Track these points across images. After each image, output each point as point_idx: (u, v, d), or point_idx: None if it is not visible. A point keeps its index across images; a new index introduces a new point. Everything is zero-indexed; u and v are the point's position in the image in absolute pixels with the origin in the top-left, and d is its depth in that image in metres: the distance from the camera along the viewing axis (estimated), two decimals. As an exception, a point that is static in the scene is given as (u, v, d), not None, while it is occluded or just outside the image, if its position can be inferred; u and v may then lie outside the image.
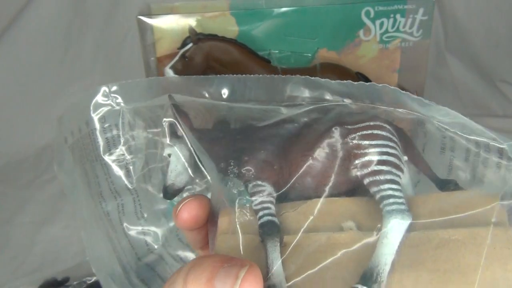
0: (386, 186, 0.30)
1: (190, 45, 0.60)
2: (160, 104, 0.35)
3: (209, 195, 0.34)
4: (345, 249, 0.28)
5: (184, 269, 0.25)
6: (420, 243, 0.28)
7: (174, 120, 0.34)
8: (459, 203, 0.30)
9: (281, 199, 0.31)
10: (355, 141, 0.31)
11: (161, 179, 0.39)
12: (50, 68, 0.92)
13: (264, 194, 0.31)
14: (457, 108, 1.09)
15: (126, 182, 0.40)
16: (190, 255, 0.45)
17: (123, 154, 0.39)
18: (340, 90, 0.33)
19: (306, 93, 0.34)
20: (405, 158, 0.32)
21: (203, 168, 0.33)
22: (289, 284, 0.28)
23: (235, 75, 0.35)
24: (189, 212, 0.32)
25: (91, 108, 0.36)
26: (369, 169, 0.30)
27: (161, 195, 0.36)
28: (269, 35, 0.63)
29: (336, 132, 0.31)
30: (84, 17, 0.91)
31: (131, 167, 0.40)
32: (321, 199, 0.30)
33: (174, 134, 0.35)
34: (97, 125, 0.37)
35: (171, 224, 0.45)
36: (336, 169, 0.31)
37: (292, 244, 0.29)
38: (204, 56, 0.61)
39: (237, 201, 0.31)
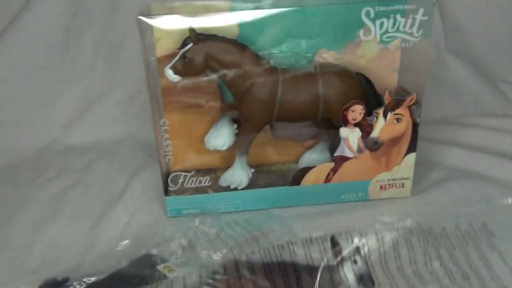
0: None
1: (190, 45, 0.60)
2: None
3: None
4: None
5: None
6: None
7: None
8: None
9: None
10: None
11: None
12: (50, 68, 0.92)
13: None
14: (457, 108, 1.10)
15: None
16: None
17: None
18: None
19: None
20: None
21: None
22: None
23: None
24: None
25: None
26: None
27: None
28: (269, 35, 0.63)
29: None
30: (84, 17, 0.91)
31: None
32: None
33: None
34: None
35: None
36: None
37: None
38: (204, 57, 0.61)
39: None
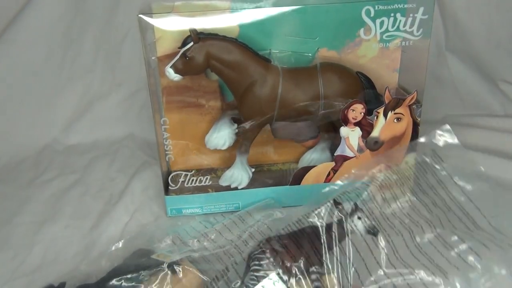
0: None
1: (191, 44, 0.60)
2: None
3: None
4: None
5: None
6: None
7: None
8: None
9: None
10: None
11: None
12: (50, 68, 0.92)
13: None
14: (457, 108, 1.10)
15: None
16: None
17: None
18: None
19: None
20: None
21: None
22: None
23: None
24: None
25: None
26: None
27: None
28: (269, 34, 0.63)
29: None
30: (84, 16, 0.91)
31: None
32: None
33: None
34: None
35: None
36: None
37: None
38: (204, 55, 0.61)
39: None
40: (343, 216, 0.51)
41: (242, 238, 0.60)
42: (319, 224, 0.51)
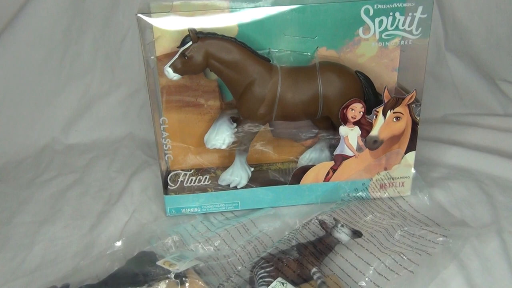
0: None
1: (190, 43, 0.60)
2: None
3: None
4: None
5: None
6: None
7: None
8: None
9: None
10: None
11: None
12: (50, 68, 0.92)
13: None
14: (457, 107, 1.10)
15: None
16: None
17: None
18: None
19: None
20: None
21: None
22: None
23: None
24: None
25: None
26: None
27: None
28: (268, 34, 0.63)
29: None
30: (84, 17, 0.91)
31: None
32: None
33: None
34: None
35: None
36: None
37: None
38: (203, 55, 0.61)
39: None
40: (329, 229, 0.59)
41: (246, 250, 0.61)
42: (312, 237, 0.60)
